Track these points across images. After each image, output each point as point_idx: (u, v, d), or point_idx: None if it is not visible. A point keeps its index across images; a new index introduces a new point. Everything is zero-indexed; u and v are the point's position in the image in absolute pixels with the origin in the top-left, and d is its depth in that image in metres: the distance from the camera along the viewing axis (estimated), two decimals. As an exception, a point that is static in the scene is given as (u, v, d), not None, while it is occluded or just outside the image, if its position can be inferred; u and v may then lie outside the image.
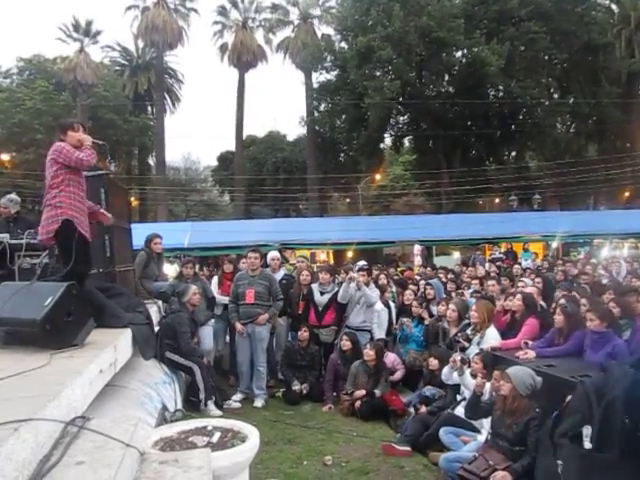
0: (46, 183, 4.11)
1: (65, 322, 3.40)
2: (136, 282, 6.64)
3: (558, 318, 5.35)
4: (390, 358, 7.17)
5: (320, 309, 7.54)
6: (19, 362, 2.95)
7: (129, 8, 37.05)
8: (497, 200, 34.35)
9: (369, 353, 6.57)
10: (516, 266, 12.13)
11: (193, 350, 6.37)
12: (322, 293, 7.61)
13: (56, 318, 3.32)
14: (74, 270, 3.97)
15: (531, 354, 5.19)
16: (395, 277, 10.77)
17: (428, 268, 13.02)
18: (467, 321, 6.58)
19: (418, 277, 10.45)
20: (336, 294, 7.56)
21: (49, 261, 4.76)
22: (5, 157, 30.57)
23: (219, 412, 5.97)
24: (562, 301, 6.01)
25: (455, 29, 26.16)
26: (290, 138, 42.40)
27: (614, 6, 33.63)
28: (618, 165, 28.07)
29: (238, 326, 7.00)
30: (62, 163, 4.00)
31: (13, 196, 7.02)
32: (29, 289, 3.61)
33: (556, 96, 32.34)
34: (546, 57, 30.40)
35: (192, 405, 6.00)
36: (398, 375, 7.21)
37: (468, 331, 6.31)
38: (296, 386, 6.99)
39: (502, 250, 17.39)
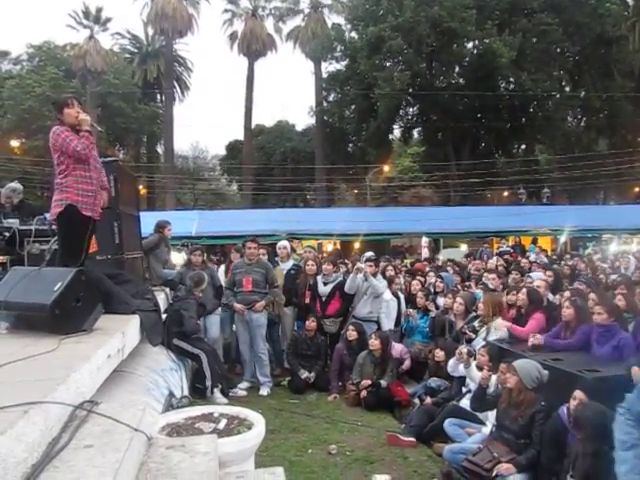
0: (54, 168, 4.12)
1: (74, 307, 3.42)
2: (144, 261, 6.67)
3: (567, 311, 5.32)
4: (397, 348, 7.18)
5: (324, 299, 7.58)
6: (28, 346, 2.97)
7: (139, -5, 37.01)
8: (506, 193, 34.18)
9: (374, 343, 6.58)
10: (524, 260, 12.06)
11: (196, 331, 6.40)
12: (325, 283, 7.64)
13: (65, 303, 3.34)
14: (74, 256, 3.97)
15: (538, 337, 5.19)
16: (404, 268, 10.75)
17: (437, 261, 13.00)
18: (474, 314, 6.57)
19: (428, 269, 10.42)
20: (339, 284, 7.58)
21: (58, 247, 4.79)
22: (15, 143, 30.67)
23: (225, 400, 6.01)
24: (567, 294, 5.98)
25: (466, 20, 25.92)
26: (299, 128, 42.34)
27: (628, -2, 33.19)
28: (629, 160, 27.84)
29: (237, 306, 7.04)
30: (60, 150, 3.99)
31: (15, 185, 6.97)
32: (38, 274, 3.63)
33: (567, 89, 32.02)
34: (558, 49, 30.09)
35: (198, 392, 6.04)
36: (406, 365, 7.22)
37: (475, 323, 6.31)
38: (304, 374, 7.03)
39: (510, 244, 17.32)
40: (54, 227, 4.52)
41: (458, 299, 6.78)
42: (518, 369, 4.38)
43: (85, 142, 4.02)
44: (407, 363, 7.25)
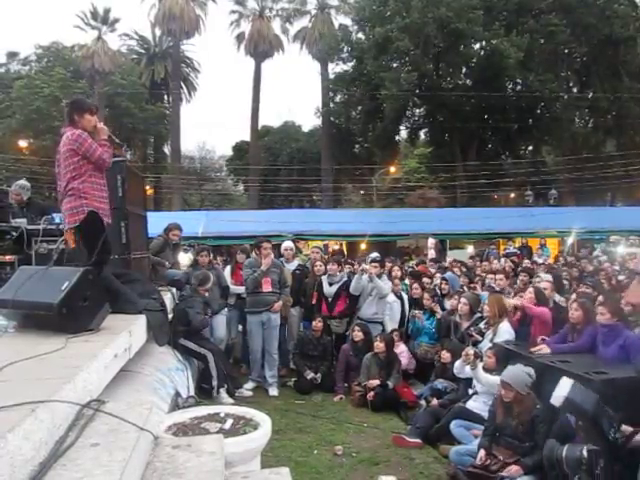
0: (61, 172, 4.01)
1: (81, 307, 3.42)
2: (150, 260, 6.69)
3: (575, 314, 5.28)
4: (400, 348, 7.17)
5: (330, 300, 7.57)
6: (36, 345, 2.98)
7: (147, -4, 37.19)
8: (512, 195, 34.06)
9: (379, 345, 6.58)
10: (526, 261, 12.02)
11: (205, 326, 6.42)
12: (330, 284, 7.64)
13: (72, 302, 3.34)
14: (102, 260, 3.99)
15: (545, 349, 5.15)
16: (409, 269, 10.71)
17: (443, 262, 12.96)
18: (479, 315, 6.55)
19: (433, 270, 10.39)
20: (345, 284, 7.57)
21: (65, 246, 4.80)
22: (23, 144, 30.83)
23: (231, 400, 6.01)
24: (574, 296, 5.95)
25: (474, 21, 25.90)
26: (305, 129, 42.43)
27: (637, -1, 33.00)
28: (636, 161, 27.65)
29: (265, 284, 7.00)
30: (82, 155, 3.93)
31: (23, 182, 7.04)
32: (46, 273, 3.63)
33: (575, 90, 31.95)
34: (566, 50, 30.02)
35: (204, 392, 6.04)
36: (404, 362, 7.14)
37: (481, 325, 6.28)
38: (309, 375, 7.03)
39: (516, 245, 17.27)
40: (61, 227, 4.52)
41: (462, 299, 6.74)
42: (512, 382, 4.36)
43: (109, 151, 4.05)
44: (404, 361, 7.15)
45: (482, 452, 4.37)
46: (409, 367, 7.32)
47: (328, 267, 7.78)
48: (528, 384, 4.36)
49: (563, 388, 3.84)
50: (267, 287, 7.01)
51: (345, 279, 7.71)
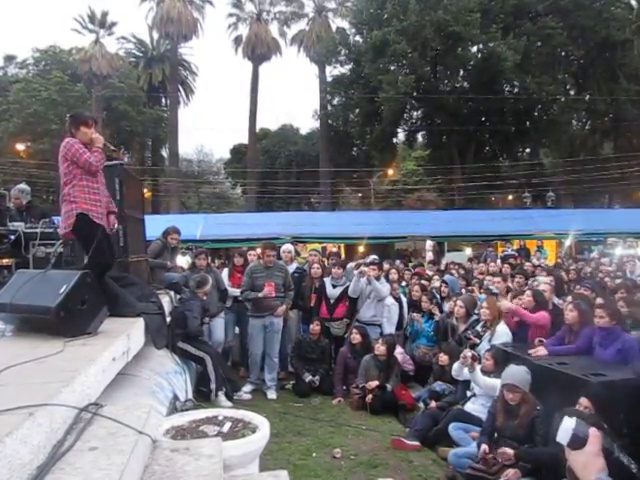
0: (61, 179, 4.14)
1: (79, 310, 3.42)
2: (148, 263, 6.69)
3: (571, 315, 5.29)
4: (397, 350, 7.16)
5: (332, 302, 7.57)
6: (34, 349, 2.98)
7: (144, -1, 37.21)
8: (510, 197, 34.12)
9: (380, 349, 6.56)
10: (528, 263, 12.04)
11: (200, 332, 6.41)
12: (334, 286, 7.63)
13: (70, 306, 3.34)
14: (98, 262, 4.01)
15: (542, 352, 5.15)
16: (407, 272, 10.70)
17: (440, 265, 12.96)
18: (475, 317, 6.55)
19: (431, 272, 10.39)
20: (348, 288, 7.56)
21: (63, 250, 4.81)
22: (20, 147, 30.85)
23: (229, 403, 5.99)
24: (569, 298, 5.96)
25: (471, 23, 25.94)
26: (303, 132, 42.48)
27: (634, 1, 33.06)
28: (634, 163, 27.73)
29: (268, 288, 6.91)
30: (71, 160, 4.03)
31: (23, 186, 7.06)
32: (44, 277, 3.64)
33: (572, 93, 32.01)
34: (563, 53, 30.11)
35: (202, 395, 6.03)
36: (399, 359, 7.13)
37: (478, 327, 6.28)
38: (308, 377, 7.02)
39: (514, 247, 17.29)
40: (59, 231, 4.54)
41: (458, 302, 6.74)
42: (519, 384, 4.35)
43: (98, 156, 4.11)
44: (399, 357, 7.14)
45: (484, 446, 4.35)
46: (405, 364, 7.28)
47: (333, 271, 7.78)
48: (529, 381, 4.37)
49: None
50: (270, 292, 7.01)
51: (348, 283, 7.71)
